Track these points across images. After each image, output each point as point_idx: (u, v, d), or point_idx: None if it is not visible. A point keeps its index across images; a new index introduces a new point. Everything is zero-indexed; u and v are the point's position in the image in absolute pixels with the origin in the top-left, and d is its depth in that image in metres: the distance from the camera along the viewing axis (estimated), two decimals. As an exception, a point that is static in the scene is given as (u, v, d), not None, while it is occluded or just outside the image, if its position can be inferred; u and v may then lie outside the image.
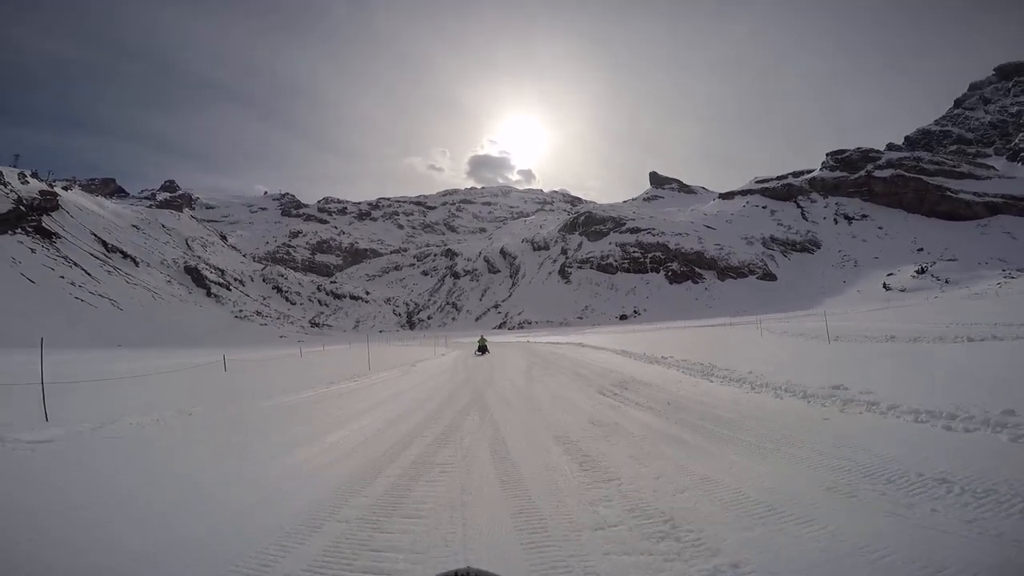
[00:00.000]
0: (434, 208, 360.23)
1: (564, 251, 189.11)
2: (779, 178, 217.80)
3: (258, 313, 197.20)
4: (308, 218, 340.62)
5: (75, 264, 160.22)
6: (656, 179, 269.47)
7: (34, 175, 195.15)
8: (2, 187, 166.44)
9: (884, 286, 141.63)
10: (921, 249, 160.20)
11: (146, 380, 18.61)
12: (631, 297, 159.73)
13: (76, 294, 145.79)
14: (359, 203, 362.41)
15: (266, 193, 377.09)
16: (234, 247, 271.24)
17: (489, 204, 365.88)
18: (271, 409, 12.21)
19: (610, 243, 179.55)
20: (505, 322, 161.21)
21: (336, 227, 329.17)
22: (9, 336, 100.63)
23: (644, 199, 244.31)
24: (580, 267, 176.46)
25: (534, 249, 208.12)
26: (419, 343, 62.28)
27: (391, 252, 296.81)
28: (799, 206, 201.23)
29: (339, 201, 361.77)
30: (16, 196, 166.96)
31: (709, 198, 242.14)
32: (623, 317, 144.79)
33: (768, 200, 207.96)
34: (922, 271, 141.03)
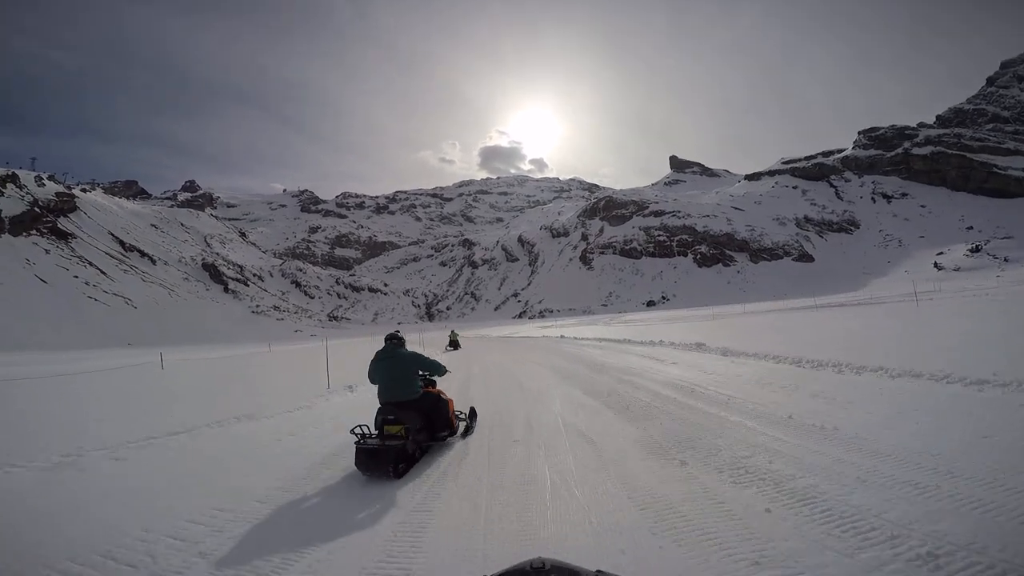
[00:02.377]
0: (451, 200, 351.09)
1: (584, 237, 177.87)
2: (808, 158, 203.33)
3: (275, 308, 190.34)
4: (327, 213, 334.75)
5: (90, 264, 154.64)
6: (676, 163, 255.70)
7: (51, 178, 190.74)
8: (17, 189, 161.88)
9: (936, 265, 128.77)
10: (971, 227, 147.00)
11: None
12: (658, 282, 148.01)
13: (90, 293, 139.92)
14: (376, 197, 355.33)
15: (285, 190, 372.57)
16: (253, 243, 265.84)
17: (505, 194, 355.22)
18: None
19: (633, 227, 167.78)
20: (525, 311, 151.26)
21: (354, 221, 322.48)
22: (16, 337, 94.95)
23: (665, 183, 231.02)
24: (602, 252, 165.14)
25: (553, 236, 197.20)
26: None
27: (409, 244, 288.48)
28: (832, 185, 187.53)
29: (356, 196, 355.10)
30: (32, 198, 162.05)
31: (734, 180, 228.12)
32: (650, 303, 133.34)
33: (798, 180, 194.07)
34: (976, 249, 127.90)
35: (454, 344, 27.73)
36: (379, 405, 5.73)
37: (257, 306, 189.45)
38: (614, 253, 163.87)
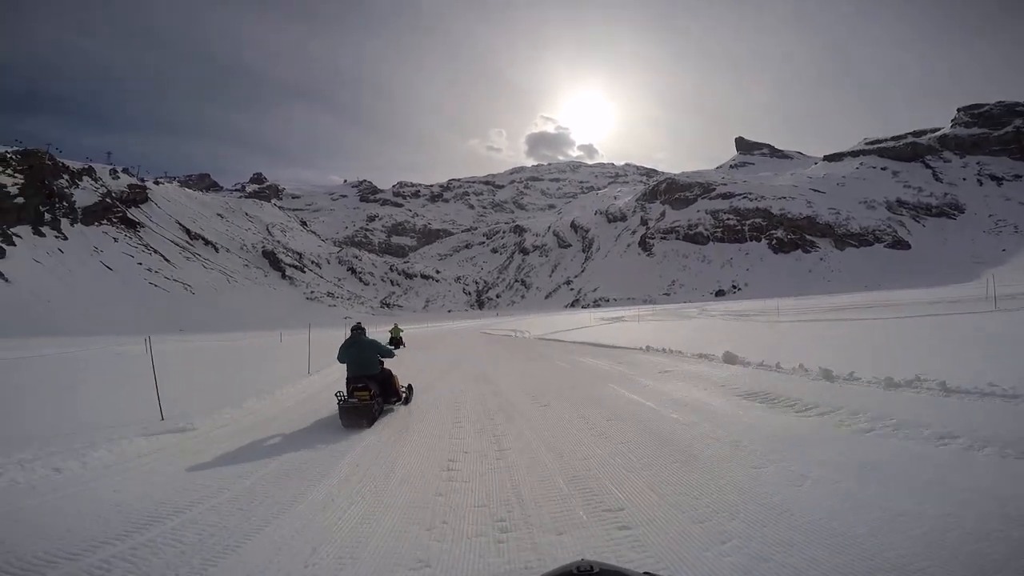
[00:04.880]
0: (502, 187, 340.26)
1: (644, 221, 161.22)
2: (897, 138, 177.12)
3: (329, 294, 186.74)
4: (384, 202, 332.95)
5: (155, 251, 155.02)
6: (743, 145, 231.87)
7: (125, 171, 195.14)
8: (92, 182, 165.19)
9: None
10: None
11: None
12: (727, 270, 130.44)
13: (151, 280, 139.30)
14: (431, 186, 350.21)
15: (345, 181, 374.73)
16: (313, 232, 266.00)
17: (557, 180, 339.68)
18: None
19: (698, 211, 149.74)
20: (578, 299, 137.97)
21: (410, 210, 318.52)
22: (70, 321, 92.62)
23: (731, 166, 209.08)
24: (664, 238, 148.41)
25: (609, 221, 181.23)
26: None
27: (462, 231, 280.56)
28: (929, 166, 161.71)
29: (412, 185, 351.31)
30: (105, 190, 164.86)
31: (808, 162, 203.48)
32: (719, 293, 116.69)
33: (887, 161, 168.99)
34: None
35: (396, 343, 21.60)
36: (346, 378, 7.21)
37: (312, 292, 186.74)
38: (677, 238, 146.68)
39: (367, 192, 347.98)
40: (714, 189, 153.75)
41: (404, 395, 8.17)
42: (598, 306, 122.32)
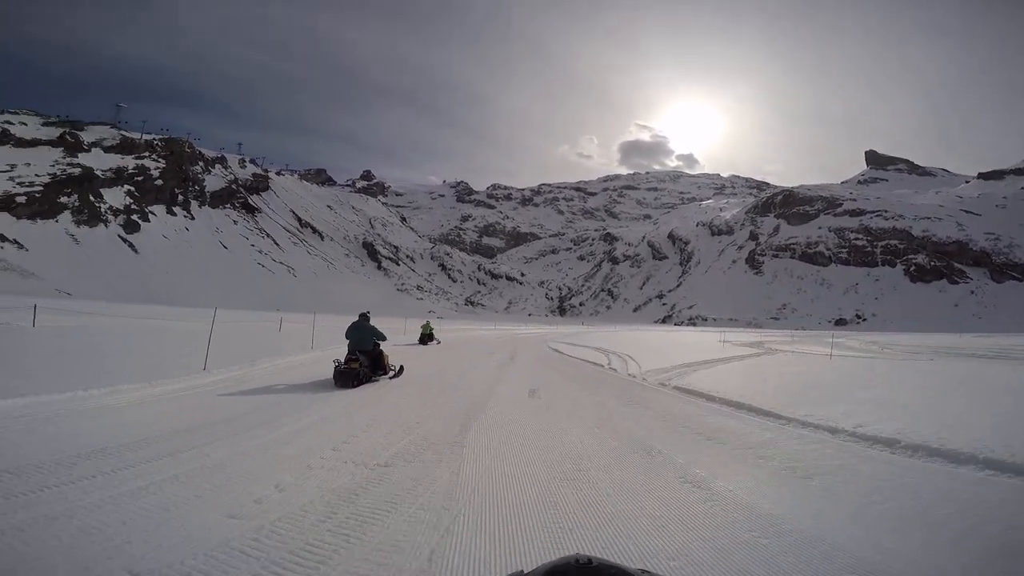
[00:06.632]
0: (594, 194, 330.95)
1: (754, 236, 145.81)
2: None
3: (418, 287, 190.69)
4: (478, 204, 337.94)
5: (267, 235, 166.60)
6: (875, 158, 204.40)
7: (252, 161, 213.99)
8: (223, 169, 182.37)
9: None
10: None
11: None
12: (851, 296, 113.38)
13: (260, 261, 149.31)
14: (523, 189, 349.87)
15: (444, 181, 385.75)
16: (412, 228, 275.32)
17: (655, 190, 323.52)
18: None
19: (820, 228, 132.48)
20: (671, 315, 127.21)
21: (501, 212, 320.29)
22: (182, 293, 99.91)
23: (859, 181, 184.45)
24: (776, 255, 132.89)
25: (712, 234, 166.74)
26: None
27: (550, 236, 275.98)
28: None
29: (505, 188, 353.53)
30: (232, 177, 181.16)
31: (956, 181, 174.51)
32: (840, 321, 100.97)
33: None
34: None
35: (424, 340, 21.49)
36: (347, 350, 9.65)
37: (403, 284, 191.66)
38: (792, 257, 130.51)
39: (463, 193, 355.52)
40: (840, 204, 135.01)
41: (392, 373, 10.62)
42: (693, 324, 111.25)
